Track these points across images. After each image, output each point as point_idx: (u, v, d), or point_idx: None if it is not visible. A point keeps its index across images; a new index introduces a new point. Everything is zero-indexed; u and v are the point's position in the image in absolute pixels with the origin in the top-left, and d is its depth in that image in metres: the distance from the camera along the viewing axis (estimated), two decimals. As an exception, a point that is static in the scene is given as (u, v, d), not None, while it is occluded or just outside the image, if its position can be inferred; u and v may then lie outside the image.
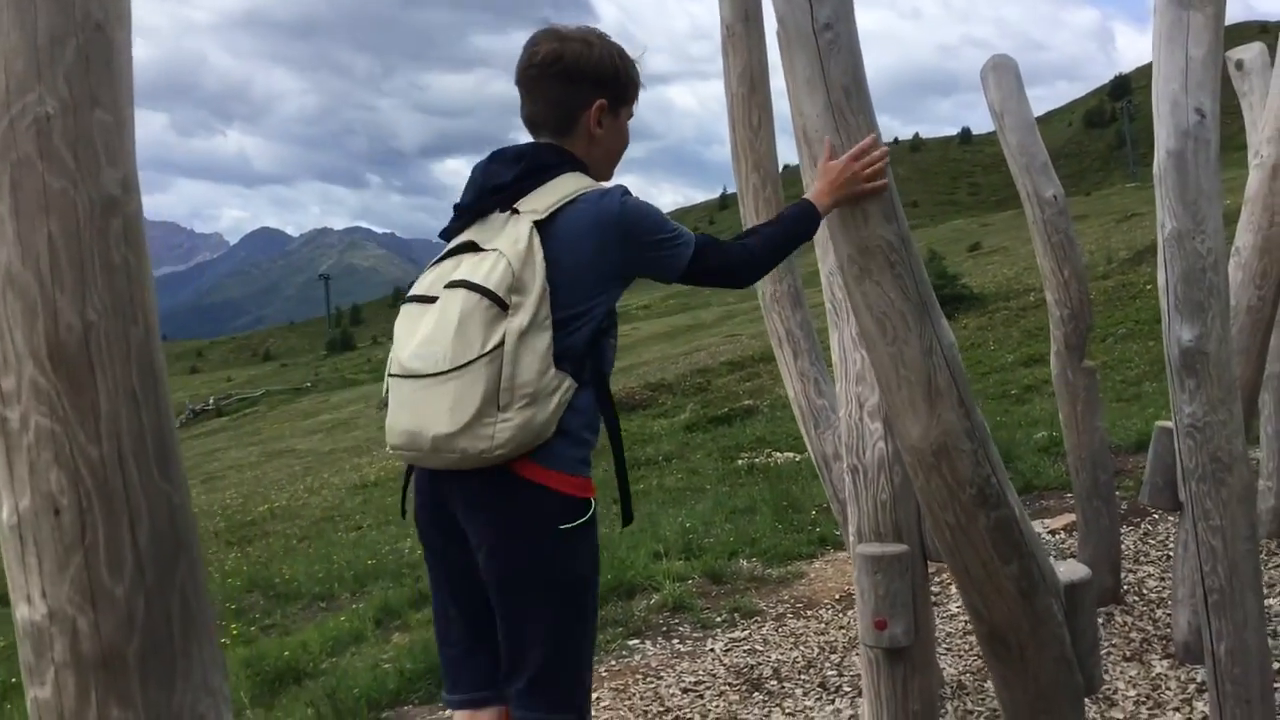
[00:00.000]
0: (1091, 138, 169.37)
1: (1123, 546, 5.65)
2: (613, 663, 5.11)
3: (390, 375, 2.27)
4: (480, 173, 2.39)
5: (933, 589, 4.99)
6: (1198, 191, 3.03)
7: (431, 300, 2.22)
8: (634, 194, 2.30)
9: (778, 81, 4.03)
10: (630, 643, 5.38)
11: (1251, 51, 5.31)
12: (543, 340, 2.13)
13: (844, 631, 5.16)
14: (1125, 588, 5.15)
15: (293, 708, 4.94)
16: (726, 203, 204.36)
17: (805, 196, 2.38)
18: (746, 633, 5.37)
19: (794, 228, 2.42)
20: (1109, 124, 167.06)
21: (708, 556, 6.76)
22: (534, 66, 2.33)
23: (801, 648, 5.04)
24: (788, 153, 4.19)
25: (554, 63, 2.31)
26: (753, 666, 4.88)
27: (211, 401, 67.75)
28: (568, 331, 2.19)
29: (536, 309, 2.13)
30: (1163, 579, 5.24)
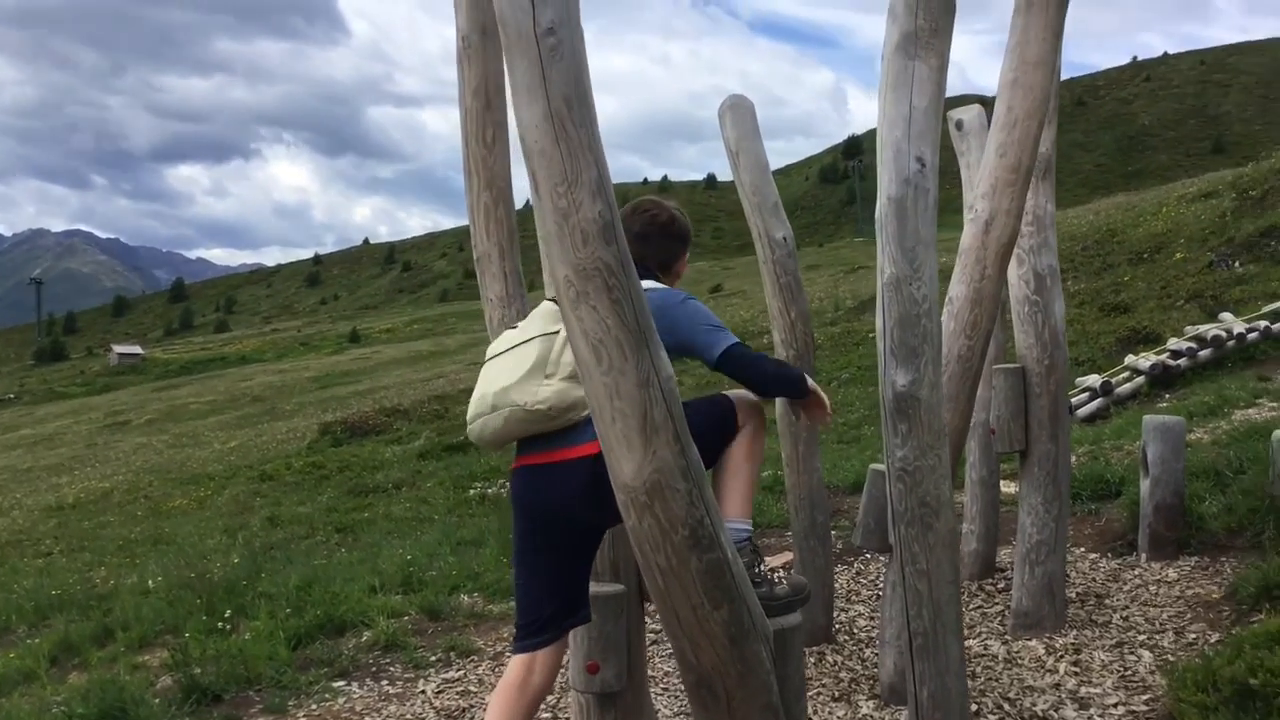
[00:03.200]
0: (826, 192, 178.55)
1: (836, 585, 5.77)
2: (313, 707, 4.76)
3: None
4: None
5: (654, 626, 4.92)
6: (916, 238, 3.06)
7: (515, 327, 3.10)
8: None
9: (514, 97, 3.87)
10: (335, 684, 5.04)
11: (971, 113, 5.60)
12: None
13: (562, 673, 4.99)
14: (837, 626, 5.24)
15: (-65, 762, 4.35)
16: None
17: None
18: (462, 673, 5.13)
19: None
20: (841, 180, 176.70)
21: (428, 591, 6.48)
22: (653, 225, 3.24)
23: (517, 688, 4.84)
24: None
25: (668, 224, 3.26)
26: (465, 710, 4.65)
27: (-105, 410, 61.45)
28: None
29: None
30: (872, 618, 5.37)
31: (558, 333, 2.84)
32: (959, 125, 5.59)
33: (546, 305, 3.02)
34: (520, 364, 2.85)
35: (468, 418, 3.00)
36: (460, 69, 4.01)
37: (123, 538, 13.53)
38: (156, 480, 21.18)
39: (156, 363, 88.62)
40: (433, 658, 5.34)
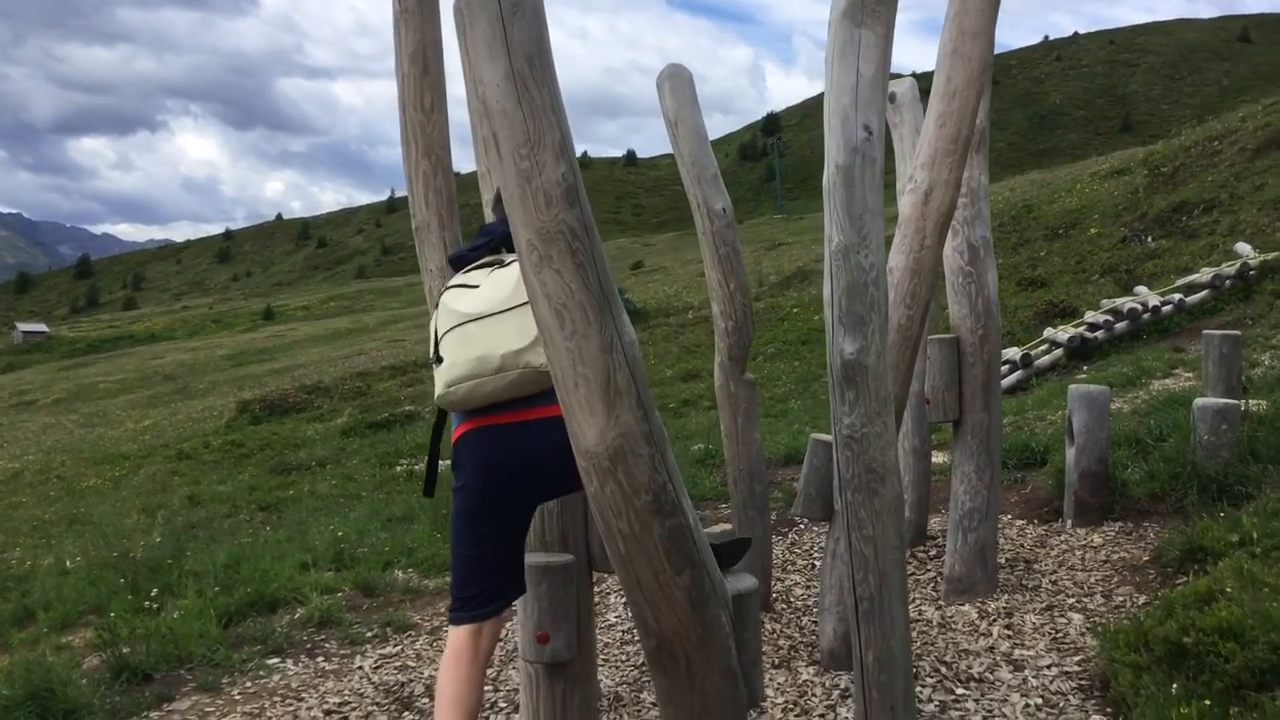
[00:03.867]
0: (745, 169, 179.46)
1: (772, 555, 5.82)
2: (248, 685, 4.68)
3: (451, 329, 2.88)
4: (503, 224, 3.11)
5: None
6: (863, 207, 3.07)
7: (476, 286, 2.94)
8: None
9: (452, 63, 3.80)
10: (270, 662, 4.95)
11: (903, 86, 5.64)
12: None
13: (501, 645, 4.97)
14: (774, 595, 5.29)
15: None
16: (394, 205, 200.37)
17: None
18: (399, 648, 5.08)
19: None
20: (761, 158, 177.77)
21: (360, 567, 6.40)
22: None
23: (456, 662, 4.81)
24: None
25: None
26: (404, 684, 4.61)
27: None
28: None
29: None
30: (808, 587, 5.42)
31: None
32: (892, 98, 5.63)
33: (517, 274, 2.85)
34: (527, 326, 2.71)
35: (452, 378, 2.85)
36: (396, 34, 3.93)
37: (36, 518, 13.16)
38: (69, 460, 20.63)
39: (63, 341, 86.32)
40: (369, 633, 5.29)
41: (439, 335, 2.94)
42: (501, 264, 3.03)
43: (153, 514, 11.74)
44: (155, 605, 5.83)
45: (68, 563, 8.03)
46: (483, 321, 2.86)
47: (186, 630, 5.19)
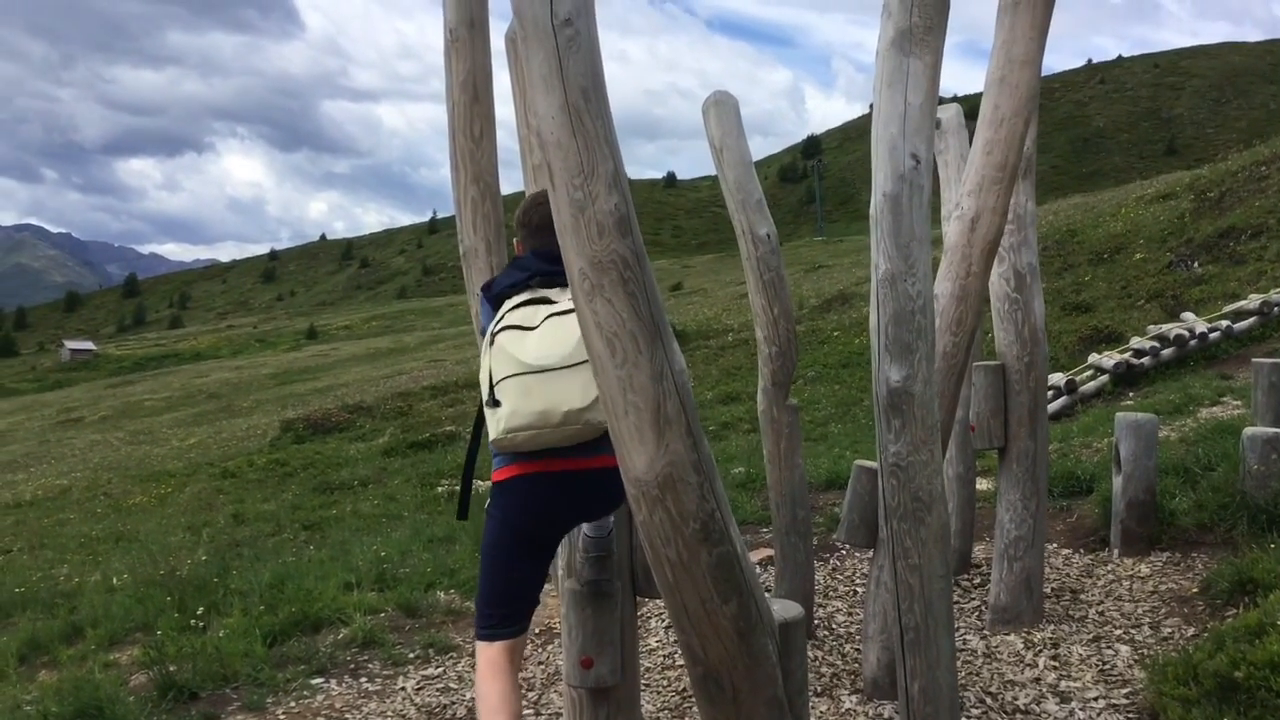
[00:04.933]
0: (785, 192, 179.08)
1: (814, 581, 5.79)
2: (292, 704, 4.71)
3: (510, 376, 2.88)
4: (538, 260, 3.11)
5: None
6: (910, 235, 3.07)
7: (532, 328, 2.94)
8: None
9: (502, 90, 3.85)
10: (313, 682, 4.99)
11: (949, 112, 5.63)
12: None
13: (542, 668, 4.99)
14: (816, 622, 5.26)
15: (-94, 762, 4.26)
16: (436, 227, 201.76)
17: None
18: (441, 670, 5.11)
19: None
20: (801, 180, 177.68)
21: (403, 588, 6.44)
22: None
23: (498, 685, 4.82)
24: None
25: None
26: (446, 706, 4.63)
27: None
28: None
29: None
30: (851, 614, 5.39)
31: None
32: (937, 124, 5.62)
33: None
34: (590, 386, 2.71)
35: (513, 426, 2.87)
36: (447, 62, 3.98)
37: (84, 535, 13.34)
38: (115, 477, 20.91)
39: (109, 359, 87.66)
40: (411, 654, 5.31)
41: (495, 379, 2.92)
42: (549, 301, 3.01)
43: (198, 532, 11.87)
44: (201, 624, 5.90)
45: (115, 580, 8.13)
46: (544, 375, 2.87)
47: (232, 649, 5.24)
